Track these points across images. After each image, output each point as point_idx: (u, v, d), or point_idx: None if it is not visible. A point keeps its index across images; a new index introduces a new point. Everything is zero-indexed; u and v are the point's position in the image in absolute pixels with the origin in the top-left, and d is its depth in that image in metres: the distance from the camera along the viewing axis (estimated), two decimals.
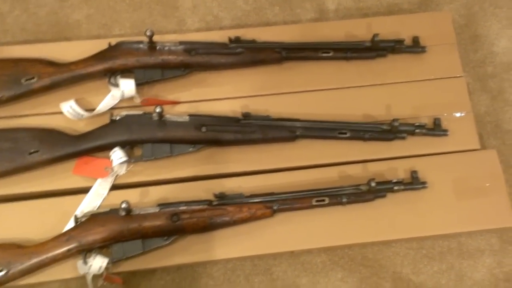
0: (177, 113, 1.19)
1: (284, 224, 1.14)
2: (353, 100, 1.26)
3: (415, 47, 1.29)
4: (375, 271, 1.21)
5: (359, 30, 1.32)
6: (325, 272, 1.20)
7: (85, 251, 1.05)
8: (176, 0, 1.46)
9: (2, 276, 1.01)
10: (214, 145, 1.19)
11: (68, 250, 1.03)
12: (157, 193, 1.16)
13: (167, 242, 1.08)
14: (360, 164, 1.20)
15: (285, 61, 1.27)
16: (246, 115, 1.18)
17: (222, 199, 1.11)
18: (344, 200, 1.12)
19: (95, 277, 1.06)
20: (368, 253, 1.22)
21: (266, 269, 1.20)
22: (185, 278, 1.18)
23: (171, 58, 1.21)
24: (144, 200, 1.14)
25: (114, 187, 1.15)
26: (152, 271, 1.18)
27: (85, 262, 1.04)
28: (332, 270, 1.20)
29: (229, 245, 1.13)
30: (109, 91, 1.21)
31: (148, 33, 1.16)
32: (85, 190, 1.14)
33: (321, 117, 1.22)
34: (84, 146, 1.13)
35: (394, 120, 1.17)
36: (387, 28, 1.32)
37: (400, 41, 1.27)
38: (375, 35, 1.23)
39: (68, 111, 1.16)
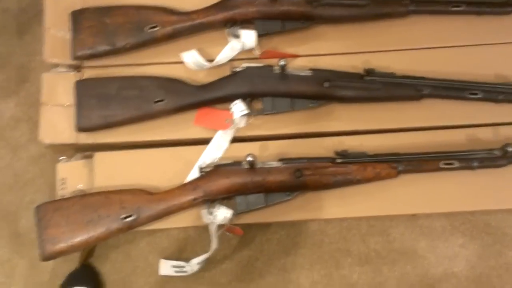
0: (297, 67, 1.16)
1: (405, 186, 1.10)
2: (484, 58, 1.18)
3: None
4: (498, 239, 1.16)
5: None
6: (445, 237, 1.17)
7: (209, 201, 1.06)
8: None
9: (132, 221, 1.03)
10: (335, 101, 1.15)
11: (194, 199, 1.04)
12: (276, 148, 1.14)
13: (289, 198, 1.07)
14: (490, 127, 1.14)
15: (411, 15, 1.19)
16: (370, 72, 1.14)
17: (345, 157, 1.08)
18: (475, 164, 1.06)
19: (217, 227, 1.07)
20: (491, 220, 1.17)
21: (382, 230, 1.17)
22: (299, 233, 1.18)
23: (292, 9, 1.16)
24: (263, 154, 1.13)
25: (233, 140, 1.14)
26: (267, 225, 1.18)
27: (210, 212, 1.05)
28: (452, 235, 1.17)
29: (348, 204, 1.11)
30: (227, 42, 1.18)
31: None
32: (205, 141, 1.14)
33: (447, 75, 1.14)
34: (206, 96, 1.13)
35: None
36: None
37: None
38: None
39: (191, 61, 1.15)
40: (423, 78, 1.13)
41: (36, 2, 1.35)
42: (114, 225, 1.02)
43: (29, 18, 1.35)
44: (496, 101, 1.12)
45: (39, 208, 1.03)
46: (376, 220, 1.18)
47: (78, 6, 1.20)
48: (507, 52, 1.18)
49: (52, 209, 1.02)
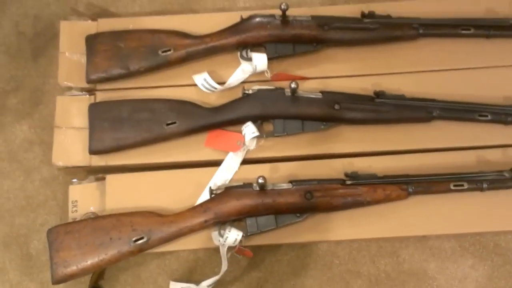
0: (307, 89, 1.17)
1: (415, 207, 1.11)
2: (493, 81, 1.19)
3: None
4: (508, 260, 1.16)
5: (500, 6, 1.24)
6: (455, 258, 1.16)
7: (220, 223, 1.06)
8: None
9: (143, 243, 1.04)
10: (345, 123, 1.16)
11: (205, 221, 1.05)
12: (286, 169, 1.15)
13: (300, 219, 1.08)
14: (500, 149, 1.15)
15: (421, 38, 1.21)
16: (380, 94, 1.15)
17: (355, 178, 1.08)
18: (485, 186, 1.07)
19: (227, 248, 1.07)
20: (501, 241, 1.17)
21: (392, 252, 1.17)
22: (309, 254, 1.18)
23: (304, 32, 1.18)
24: (274, 176, 1.14)
25: (243, 162, 1.15)
26: (277, 246, 1.18)
27: (220, 234, 1.06)
28: (462, 256, 1.16)
29: (359, 225, 1.11)
30: (238, 64, 1.20)
31: (283, 7, 1.13)
32: (215, 163, 1.15)
33: (457, 98, 1.16)
34: (218, 119, 1.14)
35: None
36: None
37: None
38: None
39: (202, 84, 1.17)
40: (432, 100, 1.14)
41: (51, 26, 1.38)
42: (126, 248, 1.03)
43: (44, 42, 1.38)
44: (505, 123, 1.13)
45: (50, 231, 1.04)
46: (386, 241, 1.18)
47: (93, 31, 1.23)
48: None
49: (63, 232, 1.03)
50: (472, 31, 1.19)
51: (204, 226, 1.06)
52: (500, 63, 1.20)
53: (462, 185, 1.07)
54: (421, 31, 1.18)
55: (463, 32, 1.19)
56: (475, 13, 1.24)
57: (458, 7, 1.25)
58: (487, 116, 1.13)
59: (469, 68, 1.20)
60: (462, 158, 1.14)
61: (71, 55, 1.23)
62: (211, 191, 1.08)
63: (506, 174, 1.07)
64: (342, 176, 1.10)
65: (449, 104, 1.13)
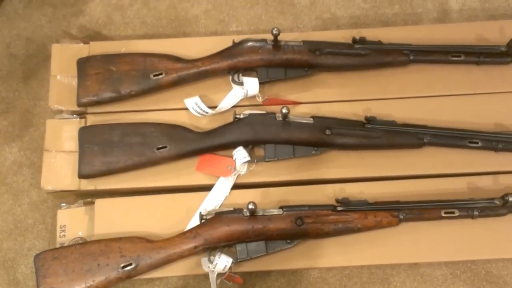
0: (298, 113, 1.17)
1: (406, 234, 1.10)
2: (483, 107, 1.20)
3: None
4: (499, 287, 1.15)
5: (490, 34, 1.25)
6: (446, 286, 1.16)
7: (210, 249, 1.05)
8: None
9: (132, 269, 1.02)
10: (336, 148, 1.16)
11: (195, 247, 1.04)
12: (277, 194, 1.14)
13: (290, 246, 1.07)
14: (490, 176, 1.14)
15: (412, 64, 1.21)
16: (371, 120, 1.15)
17: (346, 205, 1.08)
18: (476, 213, 1.06)
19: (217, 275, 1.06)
20: (492, 269, 1.17)
21: (384, 279, 1.17)
22: (300, 281, 1.17)
23: (296, 57, 1.18)
24: (264, 201, 1.13)
25: (234, 186, 1.15)
26: (267, 273, 1.17)
27: (210, 260, 1.05)
28: (453, 284, 1.16)
29: (349, 252, 1.10)
30: (229, 88, 1.20)
31: (274, 32, 1.14)
32: (206, 188, 1.14)
33: (447, 124, 1.16)
34: (209, 143, 1.13)
35: None
36: None
37: None
38: None
39: (193, 107, 1.17)
40: (423, 126, 1.15)
41: (43, 48, 1.38)
42: (113, 274, 1.02)
43: (36, 64, 1.38)
44: (496, 149, 1.13)
45: (38, 257, 1.03)
46: (377, 268, 1.17)
47: (84, 54, 1.23)
48: (506, 102, 1.20)
49: (50, 258, 1.02)
50: (462, 57, 1.20)
51: (193, 252, 1.04)
52: (490, 90, 1.21)
53: (453, 212, 1.07)
54: (411, 57, 1.19)
55: (454, 58, 1.20)
56: (465, 40, 1.25)
57: (449, 34, 1.26)
58: (477, 143, 1.13)
59: (459, 95, 1.21)
60: (453, 184, 1.14)
61: (62, 78, 1.22)
62: (201, 216, 1.08)
63: (497, 202, 1.07)
64: (333, 202, 1.10)
65: (439, 130, 1.14)
